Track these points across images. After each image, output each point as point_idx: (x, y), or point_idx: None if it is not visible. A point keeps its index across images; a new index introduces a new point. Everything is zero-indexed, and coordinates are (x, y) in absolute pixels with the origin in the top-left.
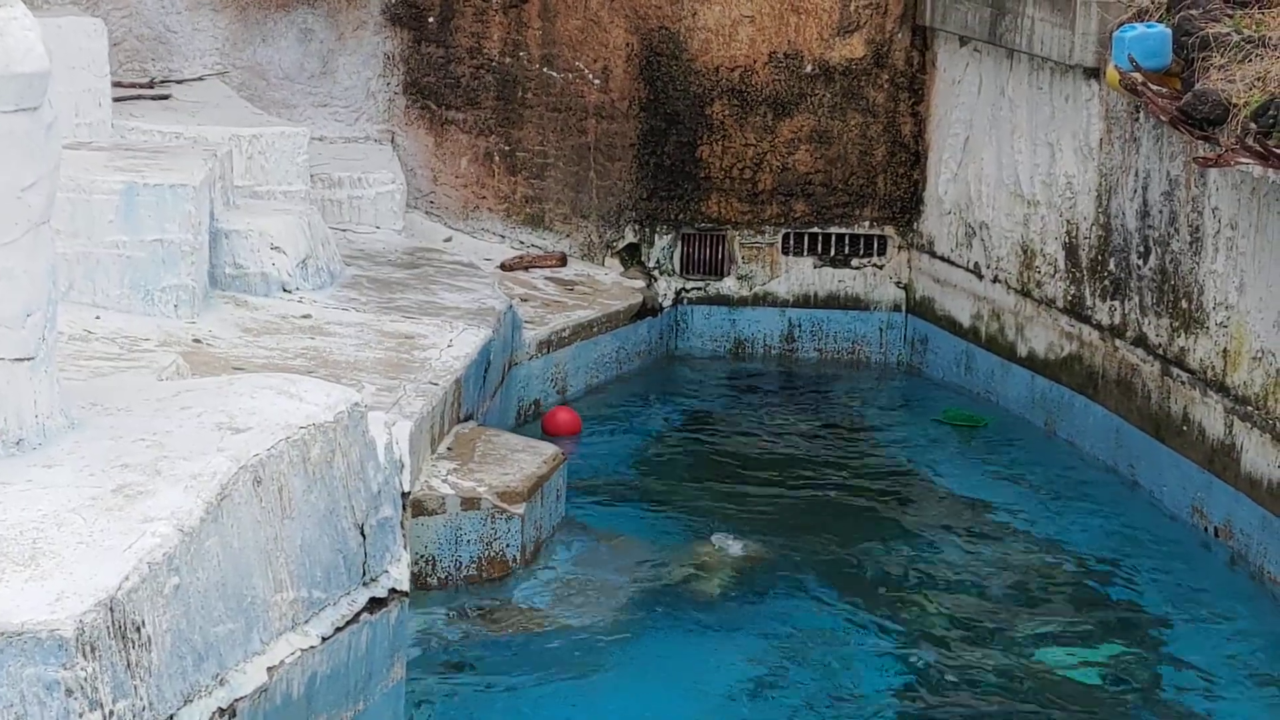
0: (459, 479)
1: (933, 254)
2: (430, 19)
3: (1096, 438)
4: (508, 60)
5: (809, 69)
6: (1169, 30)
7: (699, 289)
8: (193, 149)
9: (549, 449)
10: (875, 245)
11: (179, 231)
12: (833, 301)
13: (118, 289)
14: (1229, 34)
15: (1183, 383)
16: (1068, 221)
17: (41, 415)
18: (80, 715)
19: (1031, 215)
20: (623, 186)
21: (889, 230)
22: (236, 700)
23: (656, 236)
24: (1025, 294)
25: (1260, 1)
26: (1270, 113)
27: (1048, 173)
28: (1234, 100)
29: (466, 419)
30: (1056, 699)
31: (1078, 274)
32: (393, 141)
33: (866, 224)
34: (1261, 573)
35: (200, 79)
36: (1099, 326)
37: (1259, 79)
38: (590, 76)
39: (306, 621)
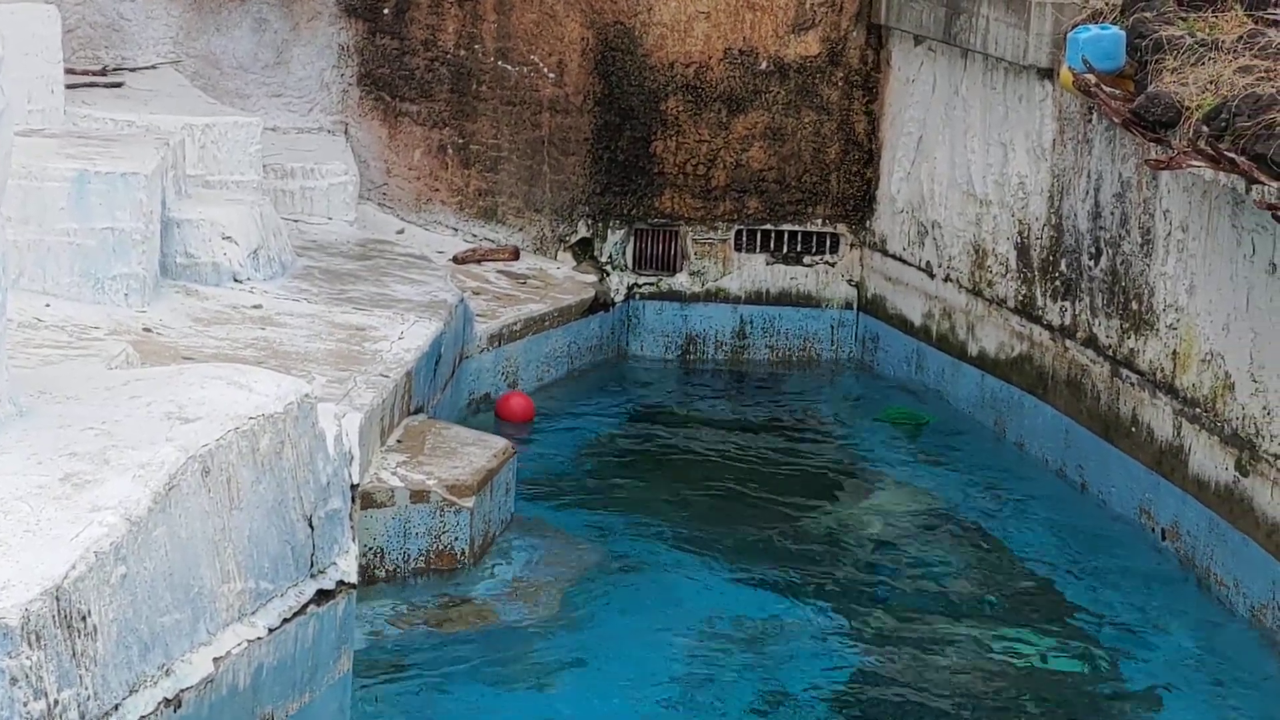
0: (408, 471)
1: (885, 252)
2: (385, 10)
3: (1046, 438)
4: (462, 53)
5: (764, 66)
6: (1123, 32)
7: (651, 284)
8: (145, 137)
9: (499, 443)
10: (827, 243)
11: (130, 220)
12: (784, 299)
13: (68, 277)
14: (1182, 37)
15: (1132, 384)
16: (1020, 222)
17: None
18: (25, 704)
19: (984, 215)
20: (576, 181)
21: (841, 228)
22: (182, 691)
23: (609, 231)
24: (976, 293)
25: (1214, 5)
26: (1222, 116)
27: (1000, 173)
28: (1186, 103)
29: (417, 411)
30: (997, 697)
31: (1029, 274)
32: (346, 133)
33: (819, 222)
34: (1208, 574)
35: (153, 67)
36: (1049, 327)
37: (1212, 82)
38: (545, 70)
39: (253, 613)
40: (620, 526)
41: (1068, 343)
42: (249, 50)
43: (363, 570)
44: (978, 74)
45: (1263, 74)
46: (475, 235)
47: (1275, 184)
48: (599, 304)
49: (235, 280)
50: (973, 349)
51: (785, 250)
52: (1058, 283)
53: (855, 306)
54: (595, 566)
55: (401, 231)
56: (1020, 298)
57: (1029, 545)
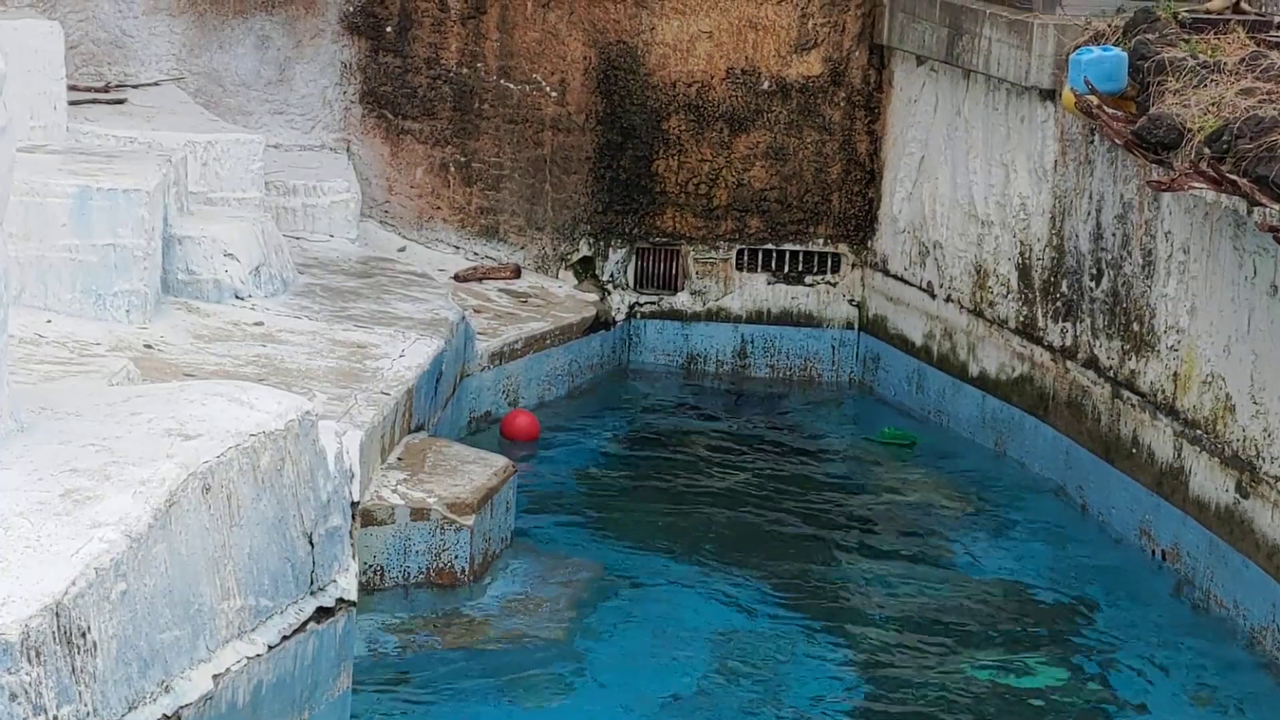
0: (409, 489)
1: (886, 272)
2: (388, 29)
3: (1046, 459)
4: (465, 71)
5: (766, 85)
6: (1125, 54)
7: (652, 303)
8: (147, 154)
9: (499, 461)
10: (829, 263)
11: (132, 236)
12: (786, 318)
13: (69, 293)
14: (1185, 59)
15: (1133, 405)
16: (1021, 242)
17: None
18: None
19: (985, 236)
20: (578, 199)
21: (843, 248)
22: (181, 707)
23: (611, 250)
24: (977, 314)
25: (1216, 27)
26: (1224, 138)
27: (1002, 193)
28: (1188, 125)
29: (417, 429)
30: (995, 717)
31: (1030, 295)
32: (348, 150)
33: (820, 241)
34: (1207, 596)
35: (156, 84)
36: (1050, 348)
37: (1213, 104)
38: (547, 89)
39: (253, 630)
40: (620, 545)
41: (1068, 364)
42: (252, 67)
43: (363, 588)
44: (980, 95)
45: (1265, 96)
46: (477, 253)
47: (1277, 206)
48: (600, 322)
49: (237, 297)
50: (974, 369)
51: (786, 270)
52: (1059, 304)
53: (856, 326)
54: (595, 584)
55: (403, 249)
56: (1021, 318)
57: (1029, 566)
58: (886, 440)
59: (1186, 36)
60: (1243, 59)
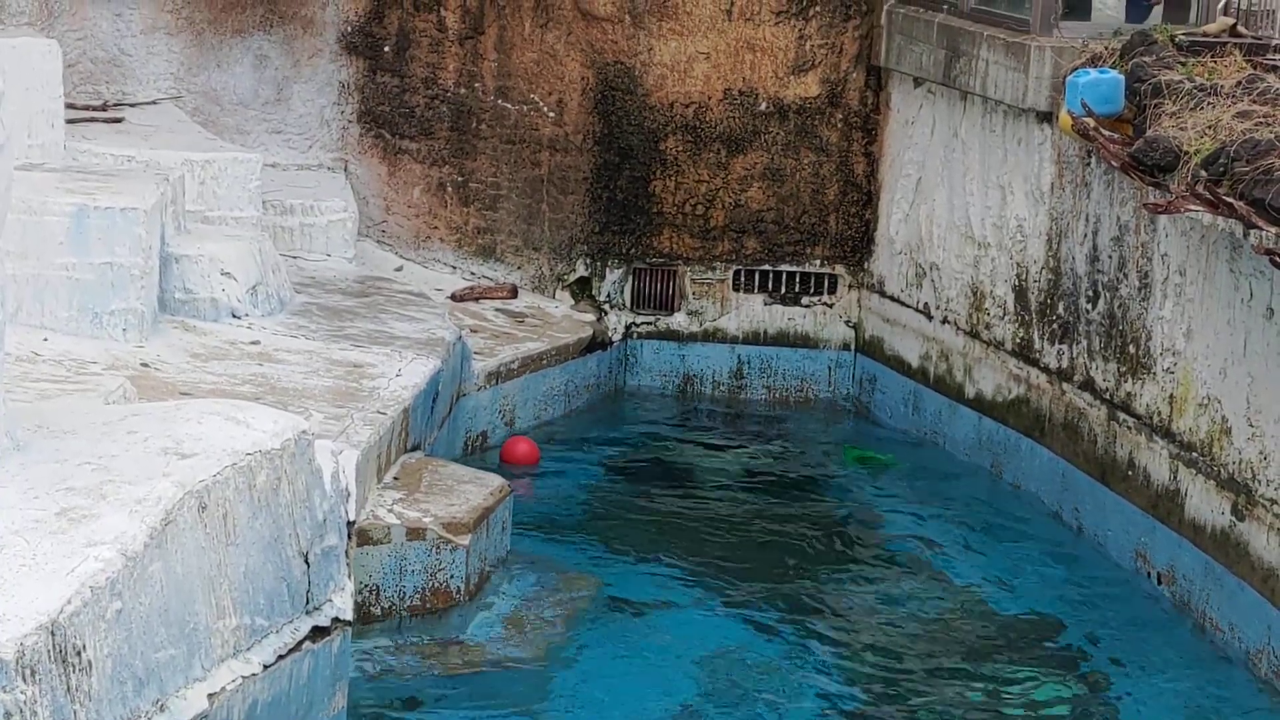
0: (405, 509)
1: (883, 294)
2: (386, 48)
3: (1042, 480)
4: (463, 91)
5: (763, 107)
6: (1122, 76)
7: (649, 324)
8: (145, 173)
9: (495, 481)
10: (825, 284)
11: (129, 255)
12: (782, 339)
13: (66, 311)
14: (1181, 82)
15: (1129, 428)
16: (1018, 264)
17: None
18: None
19: (982, 257)
20: (575, 220)
21: (839, 269)
22: None
23: (608, 270)
24: (974, 336)
25: (1213, 50)
26: (1220, 161)
27: (999, 215)
28: (1185, 147)
29: (414, 449)
30: None
31: (1026, 317)
32: (346, 170)
33: (817, 262)
34: (1203, 618)
35: (154, 103)
36: (1047, 370)
37: (1210, 127)
38: (545, 109)
39: (249, 648)
40: (615, 564)
41: (1065, 386)
42: (250, 86)
43: (358, 607)
44: (977, 116)
45: (1261, 119)
46: (474, 273)
47: (1273, 229)
48: (597, 343)
49: (233, 316)
50: (970, 391)
51: (783, 291)
52: (1055, 326)
53: (853, 347)
54: (590, 603)
55: (400, 269)
56: (1018, 340)
57: (1024, 588)
58: (857, 460)
59: (1183, 59)
60: (1239, 82)
